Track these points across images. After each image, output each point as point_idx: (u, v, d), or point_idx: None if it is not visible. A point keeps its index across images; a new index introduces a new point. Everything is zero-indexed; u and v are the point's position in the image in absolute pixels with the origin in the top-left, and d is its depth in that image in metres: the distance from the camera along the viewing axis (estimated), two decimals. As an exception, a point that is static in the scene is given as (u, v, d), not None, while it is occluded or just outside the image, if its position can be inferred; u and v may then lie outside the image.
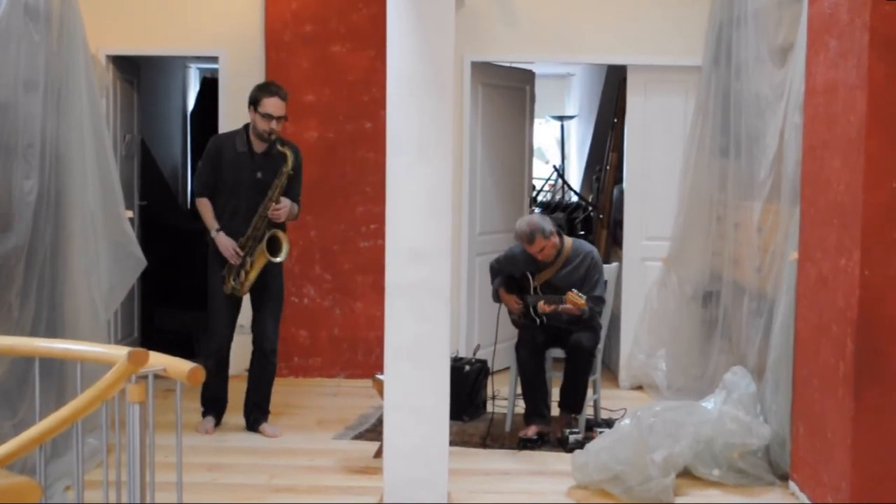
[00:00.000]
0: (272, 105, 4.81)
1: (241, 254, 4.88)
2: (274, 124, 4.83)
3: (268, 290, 5.03)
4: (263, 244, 4.87)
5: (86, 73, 4.49)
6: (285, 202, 4.90)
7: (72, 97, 4.41)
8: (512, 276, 5.18)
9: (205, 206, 4.95)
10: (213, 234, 4.91)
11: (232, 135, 5.03)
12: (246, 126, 4.96)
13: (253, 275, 4.91)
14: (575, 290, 4.80)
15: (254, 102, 4.85)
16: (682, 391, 5.65)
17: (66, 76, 4.38)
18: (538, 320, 5.07)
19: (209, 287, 5.03)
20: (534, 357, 5.04)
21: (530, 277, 5.08)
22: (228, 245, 4.87)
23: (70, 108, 4.40)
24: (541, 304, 4.93)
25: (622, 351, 6.28)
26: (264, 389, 5.12)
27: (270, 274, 4.98)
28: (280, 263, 5.01)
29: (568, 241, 5.10)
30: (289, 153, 4.86)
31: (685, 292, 5.95)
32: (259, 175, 4.89)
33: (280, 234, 4.94)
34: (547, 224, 4.95)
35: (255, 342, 5.10)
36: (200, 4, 6.28)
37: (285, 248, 4.94)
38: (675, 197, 6.07)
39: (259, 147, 4.91)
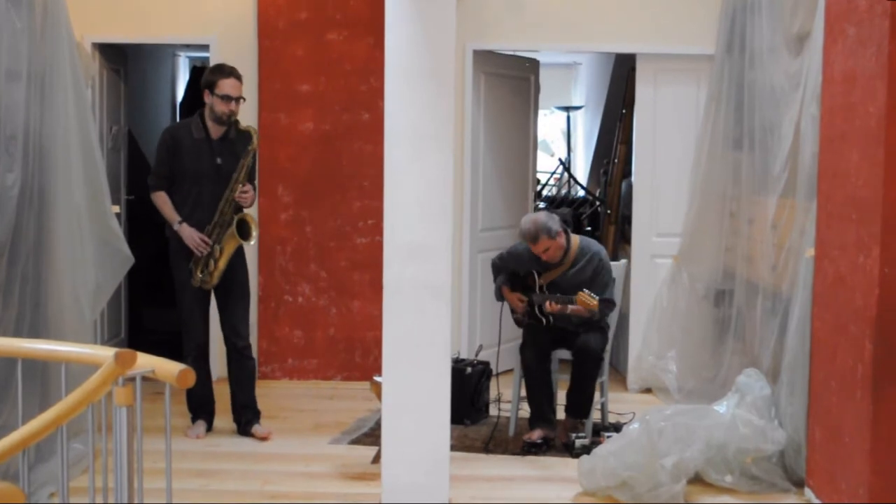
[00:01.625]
0: (229, 86, 4.86)
1: (210, 242, 4.89)
2: (233, 105, 4.87)
3: (232, 285, 5.04)
4: (234, 228, 4.89)
5: (70, 61, 4.49)
6: (250, 185, 4.95)
7: (56, 87, 4.40)
8: (516, 273, 5.18)
9: (163, 200, 4.96)
10: (176, 226, 4.92)
11: (186, 122, 5.05)
12: (199, 113, 4.98)
13: (222, 263, 4.93)
14: (586, 291, 4.78)
15: (209, 86, 4.88)
16: (694, 394, 5.66)
17: (51, 65, 4.38)
18: (544, 320, 5.06)
19: (176, 285, 5.02)
20: (540, 358, 5.04)
21: (536, 276, 5.07)
22: (194, 235, 4.88)
23: (54, 98, 4.40)
24: (548, 303, 4.92)
25: (631, 352, 6.27)
26: (248, 388, 5.12)
27: (233, 267, 5.00)
28: (242, 255, 5.03)
29: (575, 239, 5.08)
30: (253, 132, 4.92)
31: (697, 291, 5.95)
32: (219, 161, 4.92)
33: (249, 217, 4.99)
34: (553, 223, 4.90)
35: (227, 341, 5.09)
36: (190, -10, 6.29)
37: (255, 231, 4.99)
38: (686, 191, 6.07)
39: (216, 132, 4.94)
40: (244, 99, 4.98)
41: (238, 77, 4.91)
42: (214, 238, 4.91)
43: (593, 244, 5.15)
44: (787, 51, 4.98)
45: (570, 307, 4.87)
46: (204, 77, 4.96)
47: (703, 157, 5.91)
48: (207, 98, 4.90)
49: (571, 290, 4.90)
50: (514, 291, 5.17)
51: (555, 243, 4.91)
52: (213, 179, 4.92)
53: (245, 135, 4.93)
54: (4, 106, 4.10)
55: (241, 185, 4.90)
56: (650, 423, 4.36)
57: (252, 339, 5.66)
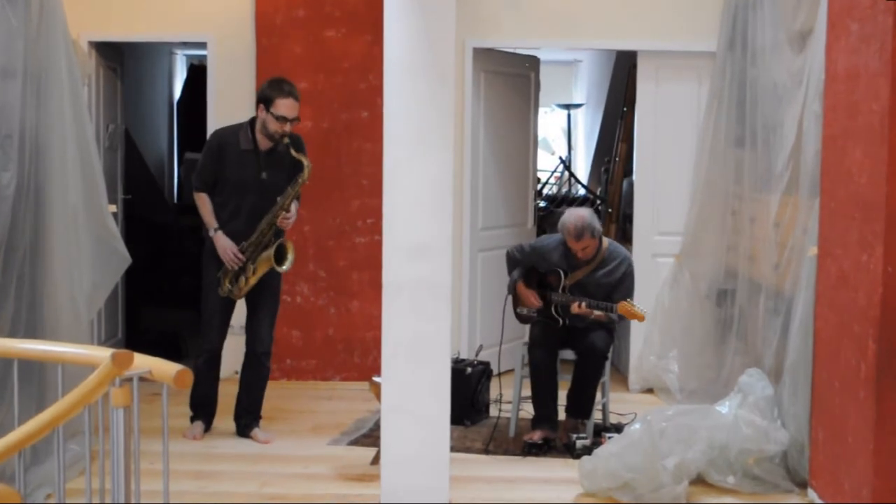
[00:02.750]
0: (287, 107, 4.75)
1: (242, 259, 4.87)
2: (288, 127, 4.79)
3: (266, 292, 5.02)
4: (271, 252, 4.85)
5: (67, 60, 4.48)
6: (294, 209, 4.90)
7: (52, 85, 4.40)
8: (533, 269, 5.17)
9: (204, 202, 4.93)
10: (212, 232, 4.89)
11: (235, 130, 4.95)
12: (251, 121, 4.92)
13: (253, 281, 4.91)
14: (630, 300, 4.84)
15: (265, 101, 4.78)
16: (696, 394, 5.66)
17: (46, 63, 4.37)
18: (560, 320, 5.06)
19: (203, 286, 5.03)
20: (548, 359, 5.04)
21: (562, 275, 5.07)
22: (228, 248, 4.85)
23: (50, 96, 4.39)
24: (575, 305, 4.91)
25: (632, 352, 6.27)
26: (256, 394, 5.12)
27: (270, 274, 4.98)
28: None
29: (605, 241, 5.10)
30: (306, 164, 4.80)
31: (699, 290, 5.95)
32: (264, 175, 4.86)
33: (289, 243, 4.92)
34: (597, 223, 4.96)
35: (248, 344, 5.10)
36: (187, -13, 6.28)
37: (291, 257, 4.92)
38: (687, 190, 6.07)
39: (264, 145, 4.87)
40: (299, 119, 4.87)
41: (296, 97, 4.79)
42: (248, 255, 4.88)
43: (621, 249, 5.16)
44: (789, 48, 4.98)
45: (596, 312, 4.89)
46: (262, 90, 4.85)
47: (705, 156, 5.91)
48: (261, 113, 4.80)
49: (596, 292, 4.94)
50: (528, 286, 5.16)
51: (594, 242, 4.95)
52: (256, 192, 4.86)
53: (297, 162, 4.80)
54: (0, 105, 4.09)
55: (284, 212, 4.85)
56: (652, 423, 4.36)
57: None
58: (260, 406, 5.15)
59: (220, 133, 5.06)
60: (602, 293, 4.95)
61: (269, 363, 5.15)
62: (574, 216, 4.95)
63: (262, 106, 4.80)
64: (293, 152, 4.80)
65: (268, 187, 4.85)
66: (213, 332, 5.01)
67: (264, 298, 5.04)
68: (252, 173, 4.86)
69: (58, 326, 4.37)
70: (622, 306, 4.81)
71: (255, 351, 5.06)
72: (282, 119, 4.76)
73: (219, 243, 4.86)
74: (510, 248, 5.29)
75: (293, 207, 4.91)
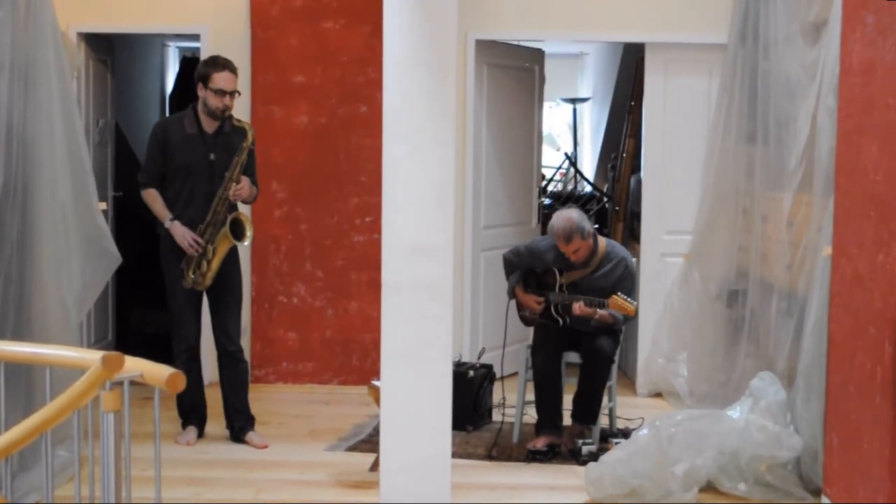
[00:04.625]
0: (223, 80, 4.88)
1: (202, 243, 4.90)
2: (227, 100, 4.89)
3: (225, 287, 5.05)
4: (227, 228, 4.90)
5: (55, 52, 4.48)
6: (245, 181, 4.94)
7: (40, 79, 4.40)
8: (531, 270, 5.17)
9: (153, 197, 4.98)
10: (167, 224, 4.93)
11: (179, 116, 5.08)
12: (193, 106, 5.00)
13: (215, 263, 4.94)
14: (620, 294, 4.81)
15: (203, 79, 4.90)
16: (706, 399, 5.66)
17: (34, 56, 4.38)
18: (560, 321, 5.06)
19: (167, 284, 5.04)
20: (551, 362, 5.05)
21: (557, 274, 5.07)
22: (186, 234, 4.89)
23: (38, 90, 4.40)
24: (577, 306, 4.90)
25: (640, 355, 6.28)
26: (241, 393, 5.12)
27: (227, 268, 5.01)
28: (236, 255, 5.04)
29: (602, 242, 5.08)
30: (248, 128, 4.94)
31: (709, 291, 5.95)
32: (212, 156, 4.93)
33: (243, 216, 4.99)
34: (586, 224, 4.93)
35: (218, 345, 5.10)
36: (180, -23, 6.29)
37: (250, 231, 4.98)
38: (697, 187, 6.07)
39: (210, 126, 4.95)
40: (239, 93, 5.00)
41: (233, 70, 4.93)
42: (207, 238, 4.91)
43: (620, 249, 5.16)
44: (802, 40, 4.98)
45: (599, 311, 4.88)
46: (198, 69, 4.98)
47: (716, 152, 5.91)
48: (201, 91, 4.92)
49: (593, 293, 4.93)
50: (528, 288, 5.16)
51: (585, 244, 4.92)
52: (207, 175, 4.92)
53: (240, 131, 4.94)
54: (-14, 98, 4.10)
55: (234, 184, 4.90)
56: (660, 428, 4.36)
57: (245, 341, 5.68)
58: (248, 403, 5.15)
59: (162, 121, 5.22)
60: (601, 295, 4.92)
61: (244, 357, 5.17)
62: (561, 219, 4.93)
63: (200, 84, 4.92)
64: (235, 121, 4.93)
65: (218, 169, 4.92)
66: (187, 327, 5.02)
67: (227, 294, 5.06)
68: (201, 155, 4.93)
69: (46, 328, 4.37)
70: (613, 300, 4.81)
71: (227, 350, 5.07)
72: (220, 92, 4.87)
73: (176, 232, 4.91)
74: (506, 252, 5.30)
75: (246, 179, 4.92)
